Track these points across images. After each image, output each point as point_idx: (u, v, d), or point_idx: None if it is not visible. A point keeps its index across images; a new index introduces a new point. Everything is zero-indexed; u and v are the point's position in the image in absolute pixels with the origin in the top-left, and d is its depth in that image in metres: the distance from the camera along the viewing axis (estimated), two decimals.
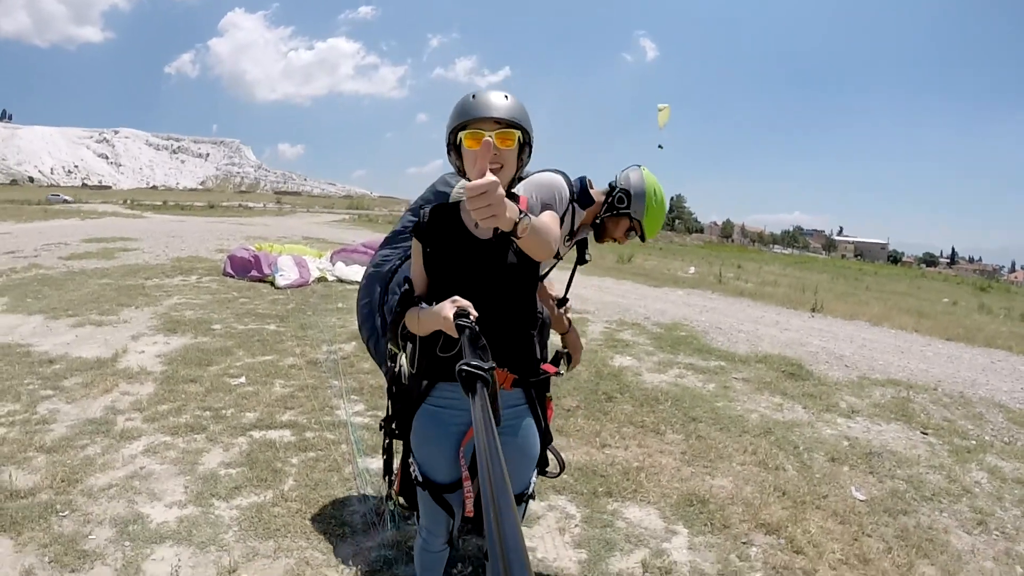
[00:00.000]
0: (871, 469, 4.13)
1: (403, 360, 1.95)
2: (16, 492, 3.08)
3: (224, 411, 4.32)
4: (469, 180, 1.65)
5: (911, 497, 3.77)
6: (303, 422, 4.21)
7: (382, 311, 2.25)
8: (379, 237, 13.82)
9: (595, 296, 11.01)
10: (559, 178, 2.36)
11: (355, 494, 3.30)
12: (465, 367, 1.05)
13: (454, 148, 1.77)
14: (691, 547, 3.06)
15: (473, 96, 1.70)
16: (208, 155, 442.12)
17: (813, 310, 12.18)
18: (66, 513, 2.94)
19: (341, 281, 10.15)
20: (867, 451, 4.39)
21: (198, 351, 5.70)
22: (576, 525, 3.17)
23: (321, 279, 10.13)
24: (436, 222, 1.84)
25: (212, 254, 13.36)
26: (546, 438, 1.95)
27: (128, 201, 39.49)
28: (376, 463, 3.59)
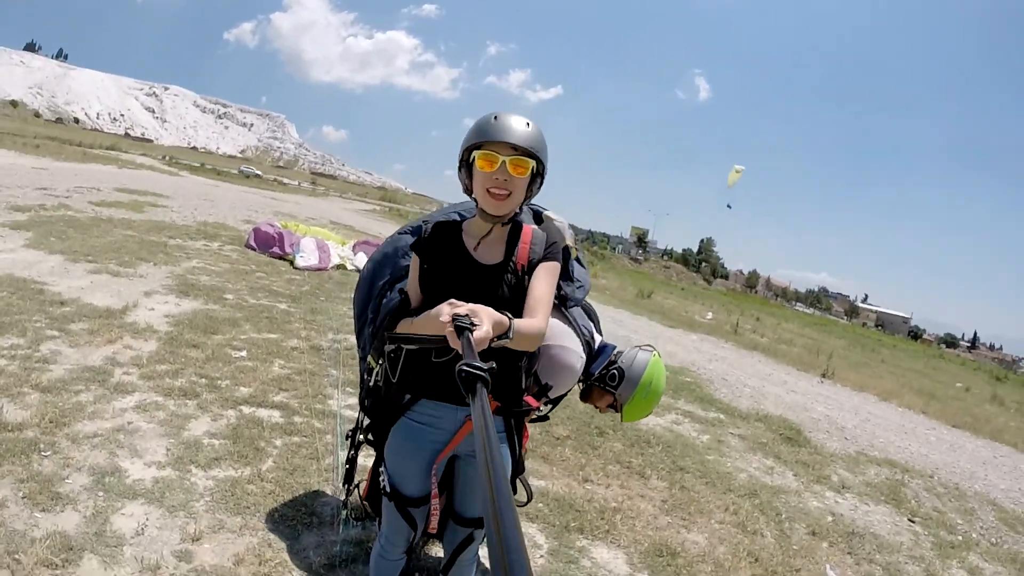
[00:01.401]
0: (850, 549, 4.09)
1: (378, 375, 2.00)
2: (4, 425, 3.14)
3: (220, 381, 4.35)
4: (476, 201, 1.80)
5: None
6: (294, 405, 4.24)
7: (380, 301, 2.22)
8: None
9: (607, 328, 10.90)
10: (575, 367, 2.25)
11: (330, 487, 3.32)
12: (465, 367, 1.04)
13: (466, 166, 1.78)
14: None
15: (495, 118, 1.72)
16: (252, 125, 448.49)
17: (824, 375, 12.12)
18: (48, 453, 2.98)
19: (359, 271, 10.17)
20: (850, 530, 4.35)
21: (206, 318, 5.75)
22: (541, 556, 3.15)
23: (340, 266, 10.22)
24: (437, 239, 1.86)
25: (239, 224, 13.52)
26: (518, 468, 1.98)
27: (167, 157, 39.96)
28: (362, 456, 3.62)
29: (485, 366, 1.05)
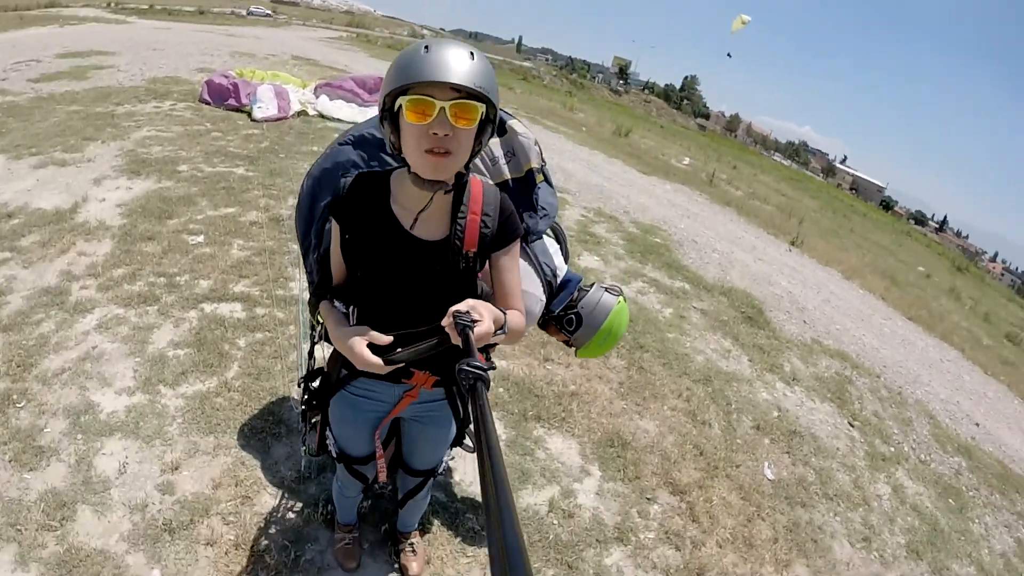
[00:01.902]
0: (789, 449, 4.37)
1: (317, 337, 1.94)
2: None
3: (178, 277, 4.36)
4: (406, 162, 1.47)
5: (815, 491, 4.04)
6: (255, 295, 4.30)
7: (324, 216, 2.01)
8: (370, 71, 12.91)
9: (580, 173, 10.80)
10: (533, 313, 2.11)
11: (295, 388, 3.40)
12: (465, 367, 1.03)
13: (390, 116, 1.43)
14: (599, 493, 3.25)
15: (426, 48, 1.33)
16: None
17: (793, 243, 12.33)
18: (22, 404, 3.07)
19: (323, 117, 9.71)
20: (792, 428, 4.62)
21: (160, 200, 5.56)
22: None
23: (302, 113, 9.67)
24: (359, 200, 1.57)
25: (192, 75, 12.35)
26: (466, 421, 1.94)
27: (112, 3, 35.27)
28: (320, 348, 3.62)
29: (485, 365, 1.04)
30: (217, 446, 2.98)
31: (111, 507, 2.59)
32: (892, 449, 5.01)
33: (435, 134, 1.34)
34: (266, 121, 8.97)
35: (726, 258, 8.62)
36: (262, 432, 3.10)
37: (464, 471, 3.15)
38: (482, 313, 1.32)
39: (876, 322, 8.96)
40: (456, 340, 1.29)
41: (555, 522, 3.03)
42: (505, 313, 1.49)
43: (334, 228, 1.61)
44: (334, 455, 2.03)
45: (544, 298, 2.17)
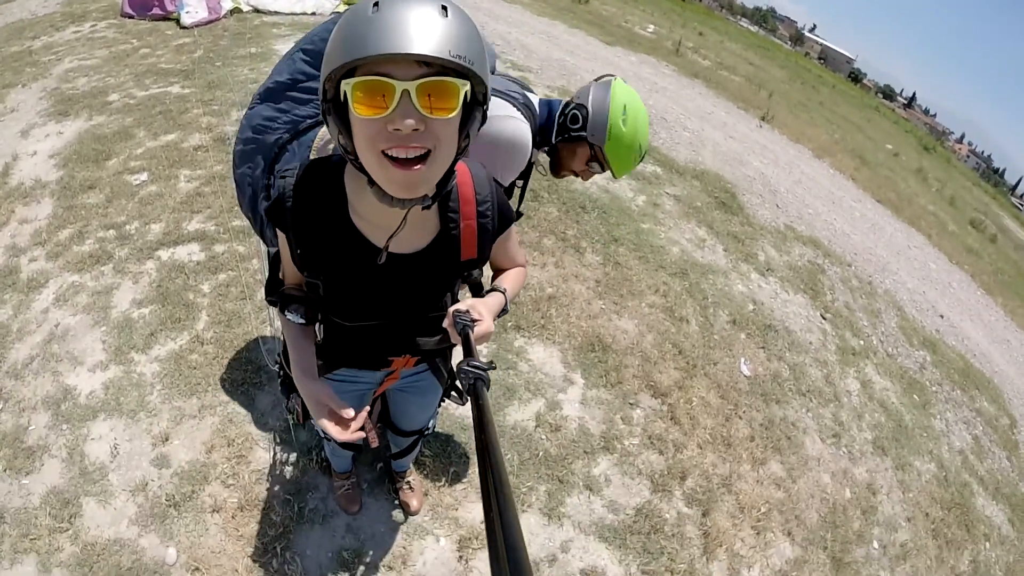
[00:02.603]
0: (764, 344, 4.56)
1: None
2: None
3: (128, 226, 4.15)
4: (358, 164, 1.10)
5: (789, 387, 4.26)
6: (212, 231, 4.14)
7: (268, 193, 1.81)
8: None
9: (541, 48, 10.38)
10: (524, 138, 1.93)
11: (268, 329, 3.42)
12: (466, 367, 1.02)
13: (334, 107, 1.07)
14: (583, 401, 3.37)
15: (375, 7, 0.95)
16: None
17: (763, 119, 12.35)
18: (1, 406, 2.99)
19: (258, 12, 8.97)
20: (767, 322, 4.80)
21: (94, 140, 5.15)
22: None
23: (235, 11, 8.86)
24: (308, 209, 1.27)
25: None
26: (451, 378, 1.87)
27: None
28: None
29: (485, 365, 1.04)
30: (202, 407, 2.99)
31: (113, 493, 2.62)
32: (862, 343, 5.28)
33: (398, 131, 0.99)
34: (197, 26, 8.28)
35: (697, 137, 8.61)
36: (243, 384, 3.12)
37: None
38: (482, 312, 1.23)
39: (847, 205, 9.21)
40: (456, 340, 1.21)
41: (543, 437, 3.16)
42: (505, 292, 1.45)
43: (280, 240, 1.36)
44: (325, 436, 2.02)
45: (526, 119, 1.99)
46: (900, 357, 5.43)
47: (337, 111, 1.06)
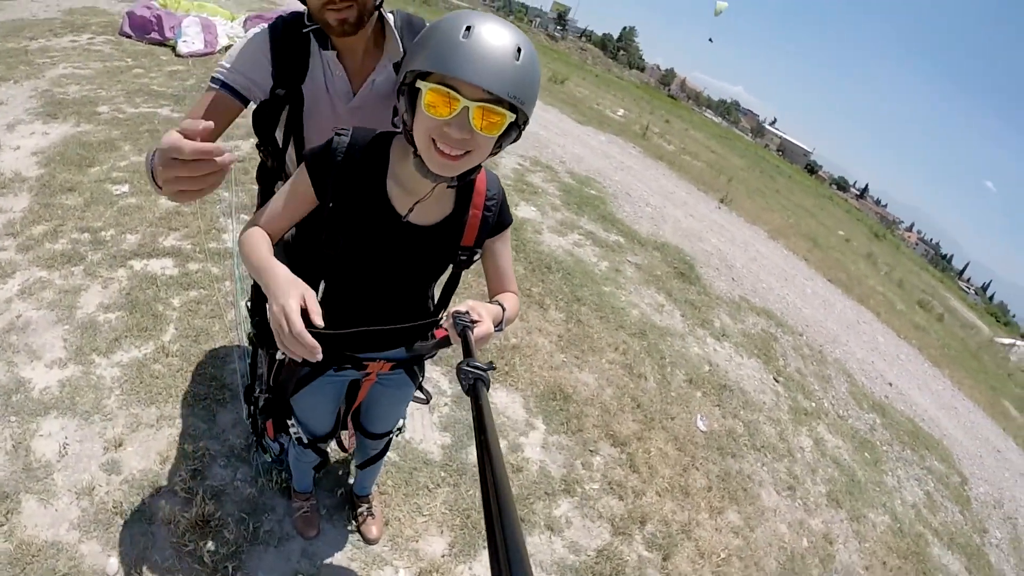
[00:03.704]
0: (720, 402, 4.66)
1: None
2: None
3: (104, 232, 4.11)
4: (415, 150, 1.30)
5: (744, 442, 4.35)
6: (187, 249, 4.15)
7: None
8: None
9: None
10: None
11: (236, 347, 3.39)
12: (465, 367, 1.00)
13: (408, 92, 1.25)
14: (544, 446, 3.42)
15: (467, 30, 1.14)
16: None
17: (722, 201, 12.77)
18: None
19: None
20: (722, 383, 4.92)
21: (79, 146, 5.18)
22: (445, 404, 3.46)
23: (229, 47, 9.11)
24: (354, 168, 1.42)
25: (111, 5, 11.31)
26: (417, 380, 2.00)
27: None
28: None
29: (485, 366, 1.03)
30: (160, 417, 2.91)
31: (56, 494, 2.51)
32: (813, 404, 5.41)
33: (449, 132, 1.19)
34: (192, 56, 8.49)
35: (659, 212, 8.90)
36: (206, 399, 3.05)
37: (413, 428, 3.23)
38: (481, 313, 1.27)
39: (799, 282, 9.48)
40: (455, 341, 1.26)
41: None
42: (504, 308, 1.47)
43: (295, 186, 1.45)
44: (303, 441, 2.04)
45: None
46: (851, 419, 5.56)
47: (409, 95, 1.24)
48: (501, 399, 3.64)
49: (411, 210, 1.42)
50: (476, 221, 1.51)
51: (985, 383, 11.11)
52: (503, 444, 3.33)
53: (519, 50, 1.16)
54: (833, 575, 3.68)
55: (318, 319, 1.16)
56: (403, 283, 1.60)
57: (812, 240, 14.32)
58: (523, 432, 3.49)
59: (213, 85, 1.58)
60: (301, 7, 1.61)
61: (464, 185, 1.47)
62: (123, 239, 4.09)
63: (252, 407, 2.36)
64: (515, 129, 1.28)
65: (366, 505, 2.69)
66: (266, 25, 1.64)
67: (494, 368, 1.04)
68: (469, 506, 2.96)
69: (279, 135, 1.80)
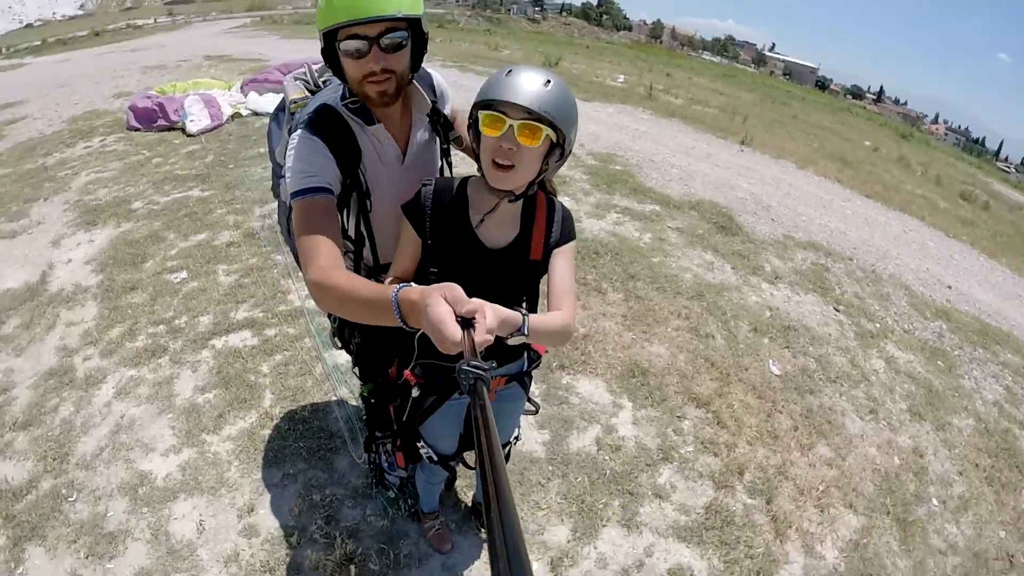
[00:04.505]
0: (787, 344, 4.80)
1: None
2: (17, 491, 3.13)
3: (177, 320, 4.35)
4: (482, 170, 1.65)
5: (819, 377, 4.49)
6: (260, 318, 4.36)
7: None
8: (291, 56, 12.49)
9: None
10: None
11: (333, 398, 3.63)
12: (465, 367, 1.02)
13: (474, 128, 1.63)
14: (635, 422, 3.63)
15: (508, 72, 1.54)
16: None
17: (743, 143, 12.72)
18: (74, 497, 3.08)
19: (256, 114, 9.60)
20: (786, 324, 5.05)
21: (127, 245, 5.45)
22: (538, 396, 3.68)
23: (235, 115, 9.52)
24: (442, 204, 1.74)
25: (110, 103, 11.71)
26: (528, 389, 2.21)
27: (2, 50, 32.57)
28: (342, 356, 3.90)
29: (486, 366, 1.04)
30: (283, 476, 3.14)
31: (204, 568, 2.71)
32: (877, 325, 5.49)
33: (501, 146, 1.53)
34: (202, 133, 8.85)
35: (685, 172, 8.97)
36: (319, 450, 3.29)
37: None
38: (487, 314, 1.24)
39: (837, 206, 9.45)
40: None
41: (606, 458, 3.40)
42: (525, 314, 1.52)
43: (406, 233, 1.75)
44: (434, 459, 2.23)
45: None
46: (917, 331, 5.63)
47: (475, 129, 1.62)
48: (586, 387, 3.86)
49: (482, 221, 1.72)
50: (540, 237, 1.76)
51: None
52: (597, 428, 3.57)
53: (548, 81, 1.52)
54: (929, 487, 3.81)
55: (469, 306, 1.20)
56: (496, 301, 1.70)
57: (841, 160, 14.14)
58: (613, 414, 3.70)
59: (303, 196, 1.64)
60: (294, 59, 1.79)
61: (528, 209, 1.76)
62: (197, 323, 4.34)
63: (374, 454, 2.64)
64: (557, 148, 1.61)
65: None
66: (301, 130, 1.72)
67: (495, 368, 1.11)
68: (580, 492, 3.19)
69: (348, 222, 1.98)
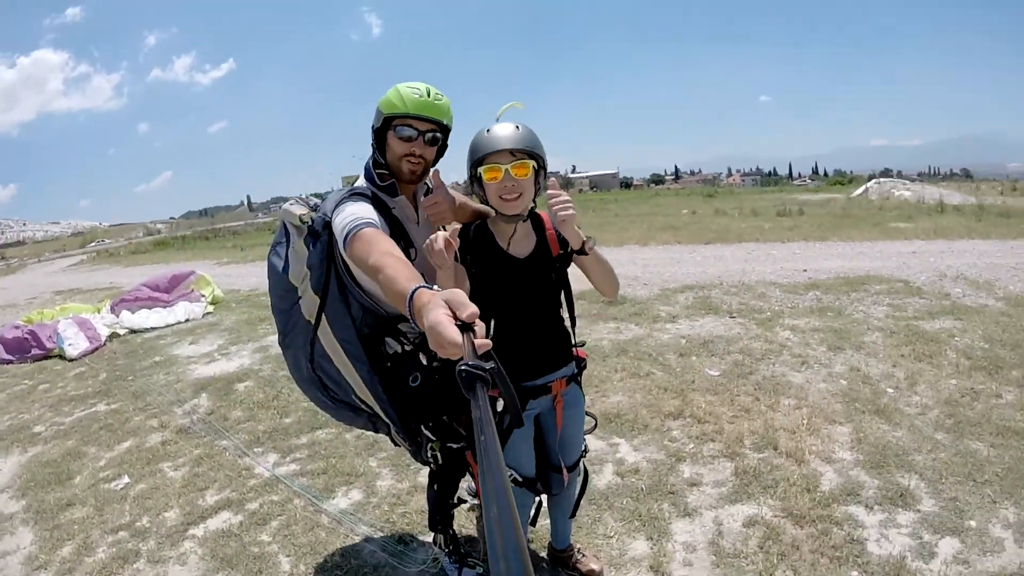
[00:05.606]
0: (711, 352, 5.44)
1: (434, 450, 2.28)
2: None
3: (138, 523, 3.73)
4: (495, 210, 2.05)
5: (749, 362, 5.13)
6: (234, 496, 3.92)
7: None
8: (148, 276, 11.69)
9: None
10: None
11: (356, 538, 3.39)
12: (465, 367, 0.98)
13: (476, 181, 2.02)
14: (636, 449, 3.94)
15: (487, 131, 1.94)
16: None
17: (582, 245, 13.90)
18: None
19: (134, 332, 9.17)
20: (701, 342, 5.73)
21: (43, 466, 4.73)
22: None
23: (113, 335, 9.06)
24: (476, 240, 2.12)
25: None
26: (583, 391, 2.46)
27: None
28: (344, 500, 3.76)
29: (486, 366, 1.01)
30: None
31: None
32: (769, 313, 6.40)
33: (505, 185, 1.94)
34: (84, 356, 8.22)
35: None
36: None
37: None
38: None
39: (688, 258, 10.74)
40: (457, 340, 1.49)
41: (633, 480, 3.62)
42: (593, 246, 2.05)
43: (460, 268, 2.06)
44: (519, 481, 2.34)
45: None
46: (800, 303, 6.62)
47: (478, 182, 2.00)
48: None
49: (509, 243, 2.10)
50: (553, 239, 2.16)
51: (865, 224, 13.08)
52: (610, 467, 3.83)
53: (517, 127, 1.94)
54: (879, 383, 4.55)
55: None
56: (538, 304, 2.18)
57: (671, 229, 15.79)
58: (614, 451, 4.01)
59: (362, 227, 1.78)
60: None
61: (535, 223, 2.17)
62: (163, 519, 3.75)
63: (448, 538, 2.68)
64: (541, 171, 2.01)
65: (571, 551, 2.87)
66: (346, 201, 1.95)
67: (495, 367, 1.04)
68: (632, 510, 3.32)
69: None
